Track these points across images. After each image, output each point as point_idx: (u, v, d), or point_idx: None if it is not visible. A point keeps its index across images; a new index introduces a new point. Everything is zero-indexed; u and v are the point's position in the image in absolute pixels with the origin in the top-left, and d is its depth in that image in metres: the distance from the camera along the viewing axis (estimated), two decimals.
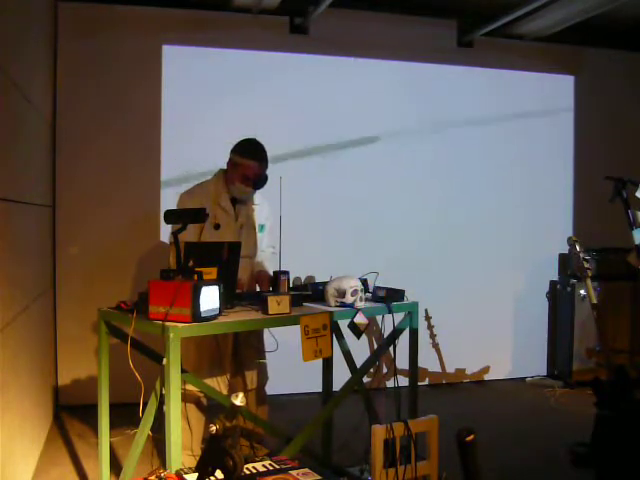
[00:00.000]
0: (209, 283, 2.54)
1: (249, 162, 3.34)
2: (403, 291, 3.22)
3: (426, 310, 5.28)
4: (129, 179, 4.83)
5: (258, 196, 3.53)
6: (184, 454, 2.86)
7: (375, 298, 3.20)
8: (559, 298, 5.58)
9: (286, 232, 3.15)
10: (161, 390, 2.68)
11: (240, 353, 3.45)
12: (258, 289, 3.45)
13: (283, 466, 2.28)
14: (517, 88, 5.62)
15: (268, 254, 3.62)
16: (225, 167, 3.46)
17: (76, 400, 4.56)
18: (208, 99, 4.92)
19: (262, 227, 3.56)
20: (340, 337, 3.45)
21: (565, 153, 5.81)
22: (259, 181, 3.35)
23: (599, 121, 5.81)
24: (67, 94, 4.70)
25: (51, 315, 4.61)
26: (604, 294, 5.16)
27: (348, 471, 3.24)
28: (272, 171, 3.43)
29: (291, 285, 3.27)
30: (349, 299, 2.97)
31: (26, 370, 3.32)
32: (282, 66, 5.10)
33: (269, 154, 3.43)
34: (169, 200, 4.66)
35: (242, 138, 3.46)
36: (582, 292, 5.24)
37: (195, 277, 2.55)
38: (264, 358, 3.55)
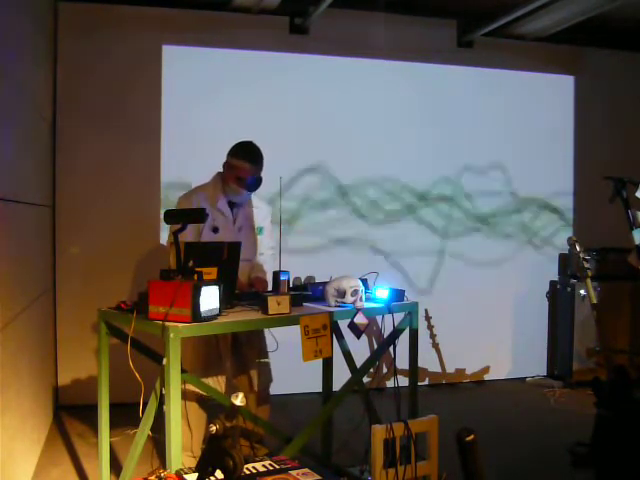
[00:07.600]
0: (209, 283, 2.54)
1: (243, 164, 3.35)
2: (403, 291, 3.22)
3: (426, 310, 5.27)
4: (129, 179, 4.83)
5: (256, 198, 3.53)
6: (184, 455, 2.86)
7: (375, 298, 3.20)
8: (559, 298, 5.58)
9: (286, 232, 3.14)
10: (161, 390, 2.68)
11: (242, 353, 3.45)
12: None
13: (283, 466, 2.27)
14: (517, 88, 5.62)
15: (267, 257, 3.62)
16: (222, 170, 3.46)
17: (76, 400, 4.56)
18: (208, 99, 4.92)
19: (261, 229, 3.55)
20: (340, 337, 3.44)
21: (565, 153, 5.81)
22: (252, 183, 3.36)
23: (599, 121, 5.81)
24: (67, 94, 4.70)
25: (51, 315, 4.61)
26: (604, 294, 5.16)
27: (348, 471, 3.24)
28: (272, 171, 3.42)
29: (291, 285, 3.27)
30: (349, 299, 2.96)
31: (26, 370, 3.32)
32: (282, 66, 5.10)
33: (268, 153, 3.43)
34: (169, 200, 4.68)
35: (239, 140, 3.46)
36: (582, 292, 5.24)
37: (195, 277, 2.55)
38: (267, 358, 3.55)
